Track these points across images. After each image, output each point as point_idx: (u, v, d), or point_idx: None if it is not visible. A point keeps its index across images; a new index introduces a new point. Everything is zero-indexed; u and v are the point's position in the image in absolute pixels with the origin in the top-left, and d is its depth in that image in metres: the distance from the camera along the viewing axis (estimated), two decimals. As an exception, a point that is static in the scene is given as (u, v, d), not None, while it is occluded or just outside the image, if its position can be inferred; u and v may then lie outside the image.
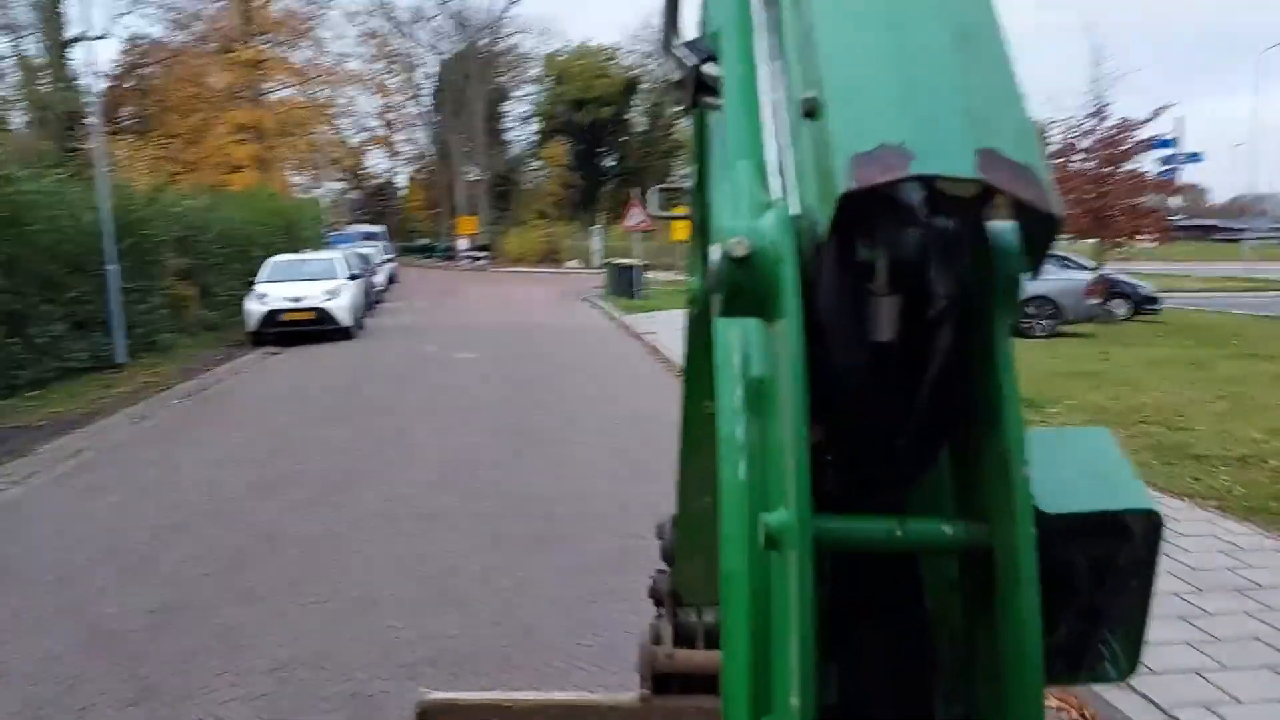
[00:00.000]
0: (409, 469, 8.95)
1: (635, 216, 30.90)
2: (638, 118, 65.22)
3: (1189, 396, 11.25)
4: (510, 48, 64.34)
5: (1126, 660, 0.93)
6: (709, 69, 1.20)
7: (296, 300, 19.62)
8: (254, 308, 19.65)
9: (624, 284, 28.69)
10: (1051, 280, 18.67)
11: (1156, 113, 23.41)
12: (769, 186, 0.90)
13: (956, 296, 0.74)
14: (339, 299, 20.12)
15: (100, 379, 14.74)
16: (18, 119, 42.47)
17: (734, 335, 0.90)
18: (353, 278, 21.57)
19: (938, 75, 0.74)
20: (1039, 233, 0.74)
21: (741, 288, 0.76)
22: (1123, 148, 22.91)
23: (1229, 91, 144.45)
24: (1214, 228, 66.79)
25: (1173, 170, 28.38)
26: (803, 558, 0.70)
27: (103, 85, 53.19)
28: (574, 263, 52.82)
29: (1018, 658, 0.74)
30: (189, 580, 6.04)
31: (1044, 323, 18.62)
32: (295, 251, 24.76)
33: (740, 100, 1.04)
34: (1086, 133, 23.70)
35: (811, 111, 0.77)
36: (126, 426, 11.34)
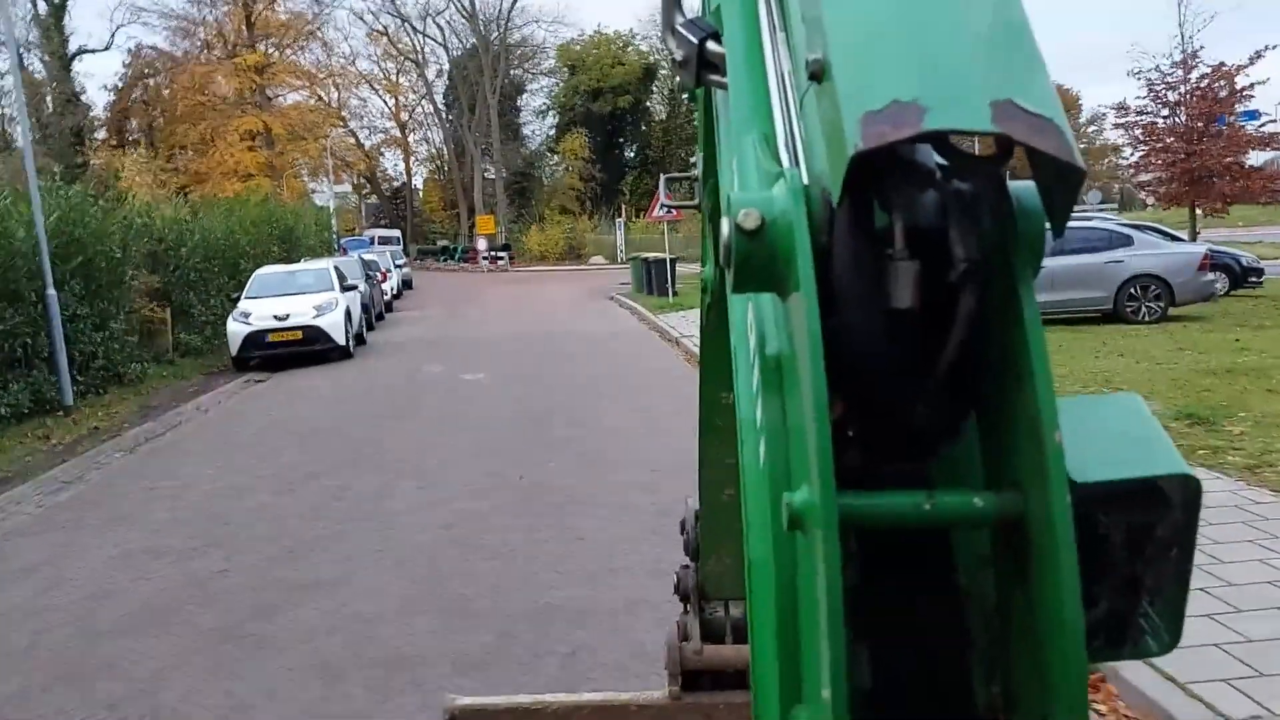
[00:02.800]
0: (376, 565, 6.41)
1: (662, 207, 28.27)
2: (657, 105, 62.51)
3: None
4: (523, 40, 61.94)
5: (1168, 633, 0.85)
6: (713, 46, 1.14)
7: (283, 318, 17.18)
8: (236, 328, 17.24)
9: (653, 280, 26.08)
10: (1160, 255, 15.90)
11: (1255, 56, 20.48)
12: (778, 159, 0.86)
13: (978, 259, 0.70)
14: (332, 314, 17.65)
15: (41, 426, 12.36)
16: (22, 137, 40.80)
17: (749, 314, 0.85)
18: (349, 289, 19.06)
19: (947, 29, 0.71)
20: (1062, 188, 0.70)
21: (754, 261, 0.72)
22: (1219, 98, 20.03)
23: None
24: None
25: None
26: (828, 537, 0.66)
27: (108, 98, 51.96)
28: (598, 258, 50.59)
29: (1058, 630, 0.68)
30: None
31: (1152, 305, 15.73)
32: (297, 262, 22.44)
33: (744, 74, 1.01)
34: (1172, 85, 20.86)
35: (817, 74, 0.74)
36: (33, 501, 8.86)
